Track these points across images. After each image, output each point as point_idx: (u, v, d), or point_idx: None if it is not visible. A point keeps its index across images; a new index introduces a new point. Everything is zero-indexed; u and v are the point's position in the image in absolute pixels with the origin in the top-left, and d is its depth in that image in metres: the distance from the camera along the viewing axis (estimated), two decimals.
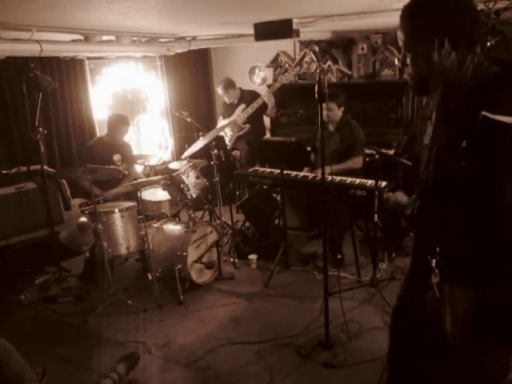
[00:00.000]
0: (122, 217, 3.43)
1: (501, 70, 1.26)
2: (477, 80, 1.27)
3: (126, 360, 2.59)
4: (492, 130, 1.17)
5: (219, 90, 5.13)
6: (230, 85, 5.05)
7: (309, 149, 4.14)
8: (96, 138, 4.48)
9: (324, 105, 2.45)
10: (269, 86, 4.99)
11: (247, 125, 5.01)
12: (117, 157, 4.17)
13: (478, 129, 1.19)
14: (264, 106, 4.96)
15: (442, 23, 1.24)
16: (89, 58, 4.89)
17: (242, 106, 4.98)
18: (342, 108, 3.90)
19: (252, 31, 3.72)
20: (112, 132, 4.17)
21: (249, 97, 5.03)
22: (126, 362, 2.56)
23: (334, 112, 3.87)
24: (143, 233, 3.45)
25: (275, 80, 5.31)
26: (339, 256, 3.78)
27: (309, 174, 3.88)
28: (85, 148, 4.33)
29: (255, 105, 4.90)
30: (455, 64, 1.27)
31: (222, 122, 5.17)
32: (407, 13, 1.31)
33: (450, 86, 1.34)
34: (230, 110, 5.13)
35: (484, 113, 1.16)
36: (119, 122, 4.18)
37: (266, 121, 5.47)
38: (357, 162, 3.79)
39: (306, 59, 5.08)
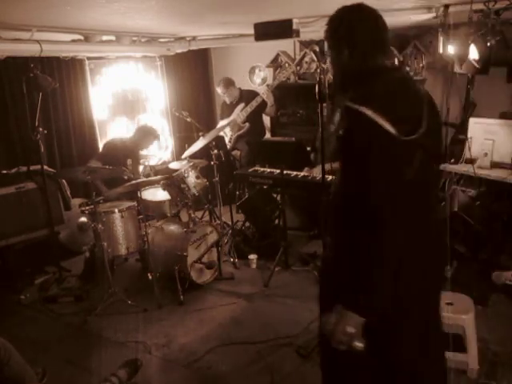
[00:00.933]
0: (122, 217, 3.43)
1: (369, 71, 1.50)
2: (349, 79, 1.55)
3: (128, 366, 2.58)
4: (350, 115, 1.39)
5: (219, 90, 5.13)
6: (229, 82, 5.05)
7: (309, 149, 4.14)
8: (117, 138, 4.47)
9: (325, 104, 2.46)
10: (268, 86, 4.99)
11: (247, 124, 5.01)
12: (129, 161, 4.20)
13: (343, 116, 1.43)
14: (263, 104, 4.95)
15: (343, 35, 1.53)
16: (89, 58, 4.89)
17: (241, 105, 4.98)
18: None
19: (252, 31, 3.72)
20: (138, 141, 4.20)
21: (248, 96, 5.03)
22: (127, 368, 2.55)
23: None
24: (143, 233, 3.45)
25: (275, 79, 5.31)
26: None
27: (309, 174, 3.88)
28: (105, 143, 4.39)
29: (254, 103, 4.89)
30: (350, 68, 1.54)
31: (221, 123, 5.17)
32: (327, 23, 1.61)
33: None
34: (229, 110, 5.13)
35: (347, 103, 1.40)
36: (150, 135, 4.25)
37: (266, 120, 5.47)
38: None
39: (306, 59, 5.08)
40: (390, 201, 1.32)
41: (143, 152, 4.36)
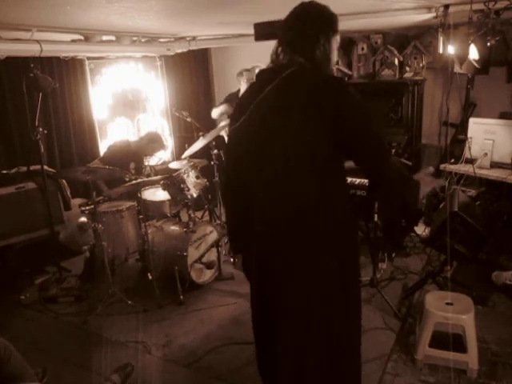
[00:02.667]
0: (122, 217, 3.43)
1: None
2: None
3: (121, 370, 2.58)
4: None
5: (244, 77, 4.97)
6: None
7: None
8: (124, 140, 4.48)
9: None
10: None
11: None
12: (132, 165, 4.20)
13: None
14: None
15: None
16: (89, 58, 4.89)
17: None
18: None
19: (252, 31, 3.72)
20: (144, 146, 4.22)
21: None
22: (121, 373, 2.56)
23: None
24: (143, 233, 3.45)
25: None
26: None
27: None
28: (109, 145, 4.38)
29: None
30: None
31: (222, 123, 5.14)
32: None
33: None
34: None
35: None
36: (158, 143, 4.28)
37: None
38: None
39: None
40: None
41: (146, 159, 4.37)
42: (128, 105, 5.44)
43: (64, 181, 4.13)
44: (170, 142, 5.89)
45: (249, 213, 1.75)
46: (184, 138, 5.19)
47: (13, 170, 3.96)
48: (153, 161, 4.86)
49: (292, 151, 1.62)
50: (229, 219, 2.01)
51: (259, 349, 1.96)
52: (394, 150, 4.29)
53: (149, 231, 3.53)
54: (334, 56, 1.75)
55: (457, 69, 3.40)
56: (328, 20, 1.73)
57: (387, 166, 1.71)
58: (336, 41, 1.74)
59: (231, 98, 5.17)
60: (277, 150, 1.64)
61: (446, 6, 3.25)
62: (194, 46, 5.09)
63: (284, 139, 1.63)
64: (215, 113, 4.95)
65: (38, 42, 3.59)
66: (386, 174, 1.72)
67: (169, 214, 3.84)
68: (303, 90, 1.62)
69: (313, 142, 1.60)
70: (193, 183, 3.71)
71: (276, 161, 1.65)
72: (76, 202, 4.14)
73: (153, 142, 4.26)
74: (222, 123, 5.03)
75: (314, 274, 1.68)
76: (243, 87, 5.01)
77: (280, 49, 1.74)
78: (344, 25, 3.79)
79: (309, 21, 1.70)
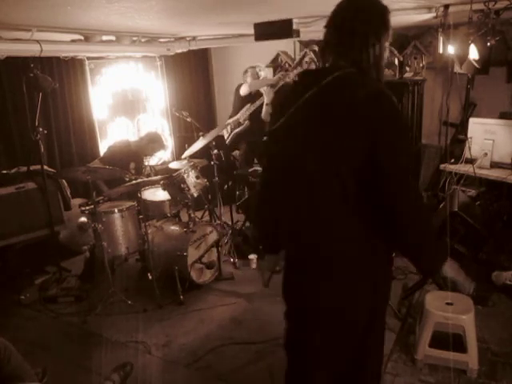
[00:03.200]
0: (122, 217, 3.42)
1: None
2: None
3: (121, 369, 2.58)
4: None
5: (249, 73, 4.98)
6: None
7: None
8: (124, 140, 4.49)
9: None
10: (272, 86, 4.90)
11: (247, 122, 4.97)
12: (132, 165, 4.20)
13: None
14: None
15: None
16: (89, 58, 4.89)
17: (248, 105, 4.95)
18: None
19: (252, 31, 3.72)
20: (144, 146, 4.22)
21: (256, 95, 4.99)
22: (120, 372, 2.56)
23: None
24: (143, 233, 3.45)
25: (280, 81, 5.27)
26: None
27: None
28: (110, 146, 4.40)
29: (258, 102, 4.85)
30: None
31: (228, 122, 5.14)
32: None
33: None
34: (238, 105, 5.05)
35: None
36: (158, 143, 4.28)
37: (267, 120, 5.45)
38: None
39: (306, 59, 5.07)
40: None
41: (146, 159, 4.37)
42: (128, 105, 5.44)
43: (64, 181, 4.13)
44: (169, 141, 5.89)
45: (278, 221, 1.65)
46: (184, 137, 5.19)
47: (13, 170, 3.96)
48: (153, 161, 4.86)
49: (320, 170, 1.46)
50: (259, 220, 1.86)
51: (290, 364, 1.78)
52: None
53: (149, 231, 3.53)
54: (385, 56, 1.55)
55: (457, 69, 3.40)
56: (379, 15, 1.50)
57: (411, 207, 1.41)
58: (387, 39, 1.52)
59: (233, 106, 5.15)
60: (306, 165, 1.49)
61: (446, 6, 3.25)
62: (194, 46, 5.09)
63: (314, 155, 1.47)
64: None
65: (38, 42, 3.59)
66: (405, 214, 1.40)
67: (169, 214, 3.84)
68: (342, 103, 1.43)
69: (344, 162, 1.41)
70: (193, 183, 3.71)
71: (303, 178, 1.51)
72: (76, 201, 4.14)
73: (153, 142, 4.27)
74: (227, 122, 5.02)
75: (344, 300, 1.55)
76: (245, 87, 5.02)
77: (325, 50, 1.57)
78: None
79: (356, 18, 1.48)
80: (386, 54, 1.55)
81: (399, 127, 1.43)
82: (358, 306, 1.56)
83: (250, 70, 4.98)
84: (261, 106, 4.84)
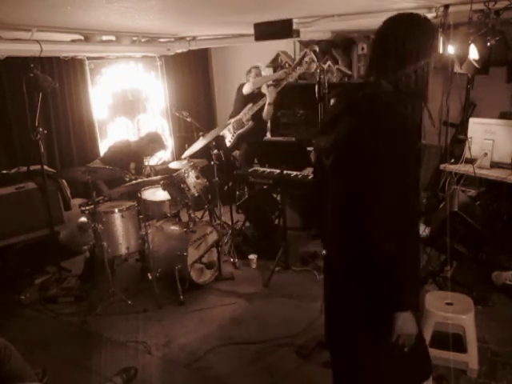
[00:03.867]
0: (122, 217, 3.43)
1: None
2: None
3: (124, 373, 2.57)
4: None
5: (252, 73, 4.96)
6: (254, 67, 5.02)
7: (311, 148, 4.14)
8: (124, 140, 4.49)
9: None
10: (274, 85, 4.88)
11: (250, 122, 4.96)
12: (132, 165, 4.20)
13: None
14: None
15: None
16: (89, 58, 4.89)
17: (250, 105, 4.94)
18: None
19: (252, 31, 3.72)
20: (144, 146, 4.22)
21: (258, 95, 4.99)
22: (123, 375, 2.55)
23: None
24: (143, 233, 3.45)
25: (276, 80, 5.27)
26: None
27: (309, 174, 3.88)
28: (110, 146, 4.40)
29: (261, 102, 4.85)
30: None
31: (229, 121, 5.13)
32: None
33: None
34: (240, 105, 5.05)
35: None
36: (158, 143, 4.28)
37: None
38: None
39: (306, 59, 5.06)
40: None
41: (146, 159, 4.37)
42: (128, 105, 5.44)
43: (64, 181, 4.13)
44: (170, 141, 5.89)
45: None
46: (184, 137, 5.19)
47: (13, 170, 3.96)
48: (153, 161, 4.86)
49: (336, 177, 1.59)
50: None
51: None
52: None
53: (149, 231, 3.53)
54: (429, 76, 1.52)
55: (457, 69, 3.40)
56: (426, 37, 1.49)
57: (381, 229, 1.38)
58: (432, 59, 1.51)
59: (234, 106, 5.13)
60: (331, 169, 1.60)
61: (446, 6, 3.25)
62: (194, 46, 5.09)
63: (335, 161, 1.58)
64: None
65: (38, 42, 3.59)
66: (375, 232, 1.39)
67: (169, 214, 3.84)
68: (359, 119, 1.48)
69: (347, 174, 1.51)
70: (193, 183, 3.71)
71: (334, 192, 1.62)
72: (76, 201, 4.14)
73: (153, 142, 4.27)
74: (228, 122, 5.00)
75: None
76: (248, 85, 5.01)
77: (369, 65, 1.58)
78: (344, 25, 3.83)
79: (400, 38, 1.46)
80: (430, 73, 1.51)
81: (392, 151, 1.40)
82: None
83: (254, 69, 4.98)
84: (264, 106, 4.83)
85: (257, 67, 5.03)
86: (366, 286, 1.51)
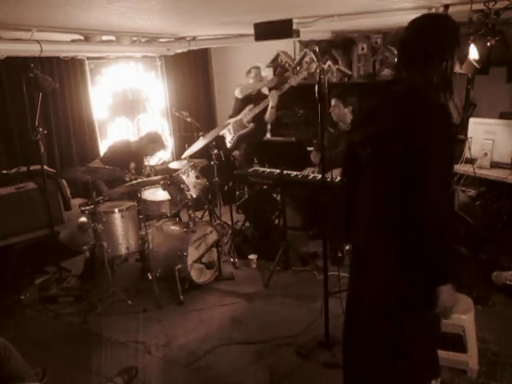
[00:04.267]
0: (122, 217, 3.42)
1: None
2: None
3: (125, 373, 2.57)
4: None
5: (252, 73, 4.95)
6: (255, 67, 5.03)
7: (311, 148, 4.14)
8: (124, 140, 4.49)
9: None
10: (276, 88, 4.88)
11: (251, 124, 4.96)
12: (132, 165, 4.19)
13: None
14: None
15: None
16: (89, 58, 4.89)
17: (250, 105, 4.94)
18: (351, 108, 3.89)
19: (252, 31, 3.71)
20: (144, 146, 4.22)
21: (258, 97, 4.99)
22: (124, 375, 2.54)
23: (339, 110, 3.87)
24: (143, 233, 3.45)
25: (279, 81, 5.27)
26: (340, 254, 3.78)
27: (309, 174, 3.88)
28: (109, 145, 4.39)
29: (262, 105, 4.85)
30: None
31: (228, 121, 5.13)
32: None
33: None
34: (238, 107, 5.05)
35: None
36: (158, 143, 4.27)
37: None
38: None
39: (306, 59, 5.07)
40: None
41: (146, 159, 4.36)
42: (128, 105, 5.44)
43: (64, 181, 4.12)
44: (170, 141, 5.89)
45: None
46: (184, 137, 5.19)
47: (13, 170, 3.96)
48: (153, 161, 4.86)
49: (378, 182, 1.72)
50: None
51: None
52: None
53: (149, 231, 3.53)
54: (454, 69, 1.69)
55: (457, 69, 3.39)
56: (450, 35, 1.65)
57: (431, 213, 1.53)
58: (456, 54, 1.66)
59: (234, 108, 5.15)
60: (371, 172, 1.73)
61: (446, 6, 3.25)
62: (194, 46, 5.10)
63: (370, 155, 1.71)
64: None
65: (38, 42, 3.59)
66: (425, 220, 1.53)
67: (169, 214, 3.84)
68: (396, 111, 1.63)
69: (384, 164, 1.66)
70: (193, 183, 3.71)
71: (374, 182, 1.73)
72: (76, 201, 4.14)
73: (153, 142, 4.27)
74: (228, 121, 5.02)
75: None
76: (237, 90, 5.03)
77: (398, 63, 1.73)
78: (344, 25, 3.83)
79: (427, 37, 1.64)
80: (455, 66, 1.68)
81: (439, 139, 1.53)
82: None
83: (254, 69, 4.99)
84: (265, 108, 4.84)
85: (257, 67, 5.03)
86: (409, 270, 1.64)
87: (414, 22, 1.67)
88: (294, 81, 4.66)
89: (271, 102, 4.74)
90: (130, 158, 4.15)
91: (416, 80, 1.63)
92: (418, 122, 1.54)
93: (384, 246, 1.70)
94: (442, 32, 1.64)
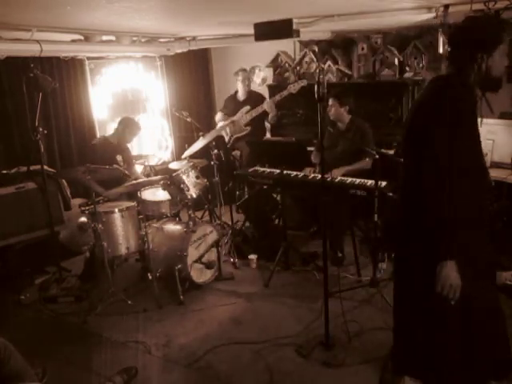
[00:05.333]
0: (122, 217, 3.42)
1: None
2: None
3: (125, 373, 2.57)
4: None
5: (240, 77, 5.01)
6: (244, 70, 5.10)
7: (311, 148, 4.14)
8: (100, 137, 4.45)
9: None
10: (274, 95, 4.90)
11: (248, 127, 4.98)
12: (119, 157, 4.16)
13: None
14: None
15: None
16: (89, 58, 4.89)
17: (247, 107, 4.94)
18: (347, 107, 3.90)
19: (252, 31, 3.72)
20: (121, 134, 4.14)
21: (256, 99, 4.99)
22: (124, 375, 2.54)
23: (335, 109, 3.88)
24: (143, 233, 3.45)
25: (276, 80, 5.29)
26: (340, 254, 3.79)
27: (309, 174, 3.88)
28: (88, 146, 4.32)
29: (260, 109, 4.87)
30: None
31: (220, 123, 5.14)
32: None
33: None
34: (233, 106, 5.07)
35: None
36: (133, 126, 4.18)
37: (266, 121, 5.46)
38: (369, 163, 3.80)
39: (306, 59, 5.08)
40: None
41: (129, 146, 4.29)
42: (128, 105, 5.44)
43: (64, 181, 4.12)
44: (170, 141, 5.90)
45: None
46: (184, 137, 5.19)
47: (13, 170, 3.96)
48: (152, 160, 4.85)
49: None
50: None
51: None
52: (394, 150, 4.32)
53: (149, 231, 3.53)
54: (499, 66, 1.89)
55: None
56: (493, 35, 1.79)
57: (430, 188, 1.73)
58: (496, 50, 1.80)
59: (226, 105, 5.22)
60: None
61: (446, 6, 3.25)
62: (193, 46, 5.10)
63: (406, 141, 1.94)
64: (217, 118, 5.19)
65: (38, 42, 3.60)
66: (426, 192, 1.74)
67: (169, 214, 3.84)
68: (424, 100, 1.89)
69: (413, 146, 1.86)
70: (193, 183, 3.71)
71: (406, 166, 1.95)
72: (76, 201, 4.14)
73: (127, 127, 4.12)
74: (221, 123, 5.05)
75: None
76: (239, 86, 5.05)
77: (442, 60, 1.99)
78: (344, 25, 3.83)
79: (468, 37, 1.80)
80: (502, 61, 1.89)
81: (443, 124, 1.69)
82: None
83: (242, 72, 5.04)
84: (262, 112, 4.88)
85: (245, 70, 5.07)
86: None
87: (462, 22, 1.84)
88: (293, 88, 4.69)
89: (272, 112, 4.90)
90: (114, 153, 4.05)
91: (451, 74, 1.84)
92: (428, 107, 1.78)
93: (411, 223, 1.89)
94: (481, 30, 1.80)
